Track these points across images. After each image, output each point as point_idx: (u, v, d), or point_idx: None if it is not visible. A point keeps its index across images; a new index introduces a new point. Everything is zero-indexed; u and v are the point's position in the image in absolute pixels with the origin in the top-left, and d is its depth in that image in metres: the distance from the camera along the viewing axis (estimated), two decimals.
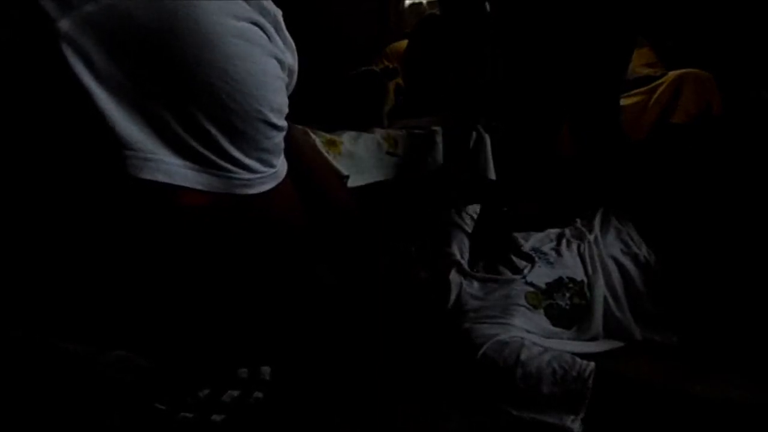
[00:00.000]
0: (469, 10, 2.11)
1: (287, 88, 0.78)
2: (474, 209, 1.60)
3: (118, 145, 0.67)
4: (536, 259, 1.42)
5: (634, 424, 1.07)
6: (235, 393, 1.01)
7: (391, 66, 2.19)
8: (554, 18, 1.48)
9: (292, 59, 0.79)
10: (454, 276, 1.39)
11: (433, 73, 2.19)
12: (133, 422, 0.95)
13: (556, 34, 1.50)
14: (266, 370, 1.01)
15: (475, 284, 1.38)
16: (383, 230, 1.47)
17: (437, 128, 1.90)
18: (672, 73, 2.05)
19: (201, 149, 0.69)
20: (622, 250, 1.44)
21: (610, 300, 1.38)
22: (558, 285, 1.37)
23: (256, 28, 0.70)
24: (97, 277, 0.87)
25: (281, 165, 0.79)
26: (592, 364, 1.14)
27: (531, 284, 1.36)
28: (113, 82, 0.65)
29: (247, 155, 0.72)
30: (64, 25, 0.63)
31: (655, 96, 2.02)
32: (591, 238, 1.47)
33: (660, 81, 2.04)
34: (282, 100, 0.75)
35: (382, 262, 1.34)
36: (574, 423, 1.08)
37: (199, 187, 0.70)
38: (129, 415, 0.93)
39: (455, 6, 2.14)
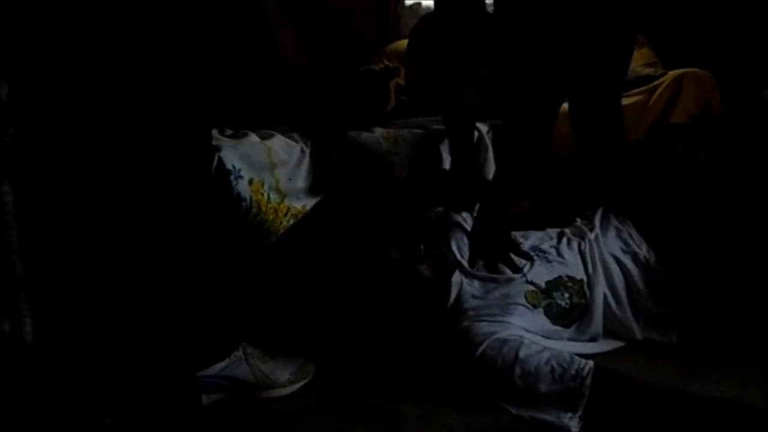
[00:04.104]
0: (467, 9, 2.12)
1: None
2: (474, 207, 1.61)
3: None
4: (535, 257, 1.42)
5: (633, 423, 1.07)
6: None
7: (391, 66, 2.19)
8: (556, 14, 1.49)
9: None
10: (455, 276, 1.39)
11: (433, 72, 2.19)
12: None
13: (556, 31, 1.50)
14: None
15: (476, 283, 1.38)
16: (393, 225, 1.48)
17: (439, 127, 1.91)
18: (672, 73, 2.04)
19: None
20: (621, 249, 1.44)
21: (611, 299, 1.38)
22: (557, 284, 1.37)
23: None
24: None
25: None
26: (591, 362, 1.14)
27: (531, 283, 1.36)
28: None
29: None
30: None
31: (655, 96, 2.01)
32: (592, 236, 1.46)
33: (660, 81, 2.04)
34: None
35: (393, 256, 1.34)
36: (572, 421, 1.09)
37: None
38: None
39: (452, 5, 2.15)
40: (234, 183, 1.44)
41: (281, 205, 1.55)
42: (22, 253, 0.83)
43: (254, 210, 1.47)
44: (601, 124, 1.66)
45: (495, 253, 1.44)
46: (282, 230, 1.53)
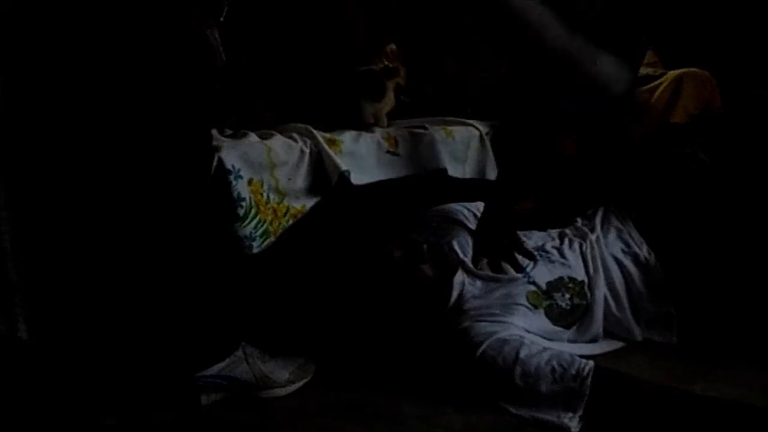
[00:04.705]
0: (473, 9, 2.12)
1: None
2: (477, 207, 1.60)
3: None
4: (538, 257, 1.42)
5: (633, 423, 1.07)
6: None
7: (391, 66, 2.19)
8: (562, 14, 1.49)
9: None
10: (457, 275, 1.39)
11: (435, 71, 2.19)
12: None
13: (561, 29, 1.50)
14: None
15: (478, 283, 1.38)
16: (396, 225, 1.48)
17: (437, 127, 1.91)
18: (672, 73, 2.04)
19: None
20: (622, 250, 1.44)
21: (611, 300, 1.38)
22: (558, 284, 1.37)
23: None
24: None
25: None
26: (591, 362, 1.14)
27: (533, 283, 1.36)
28: None
29: None
30: None
31: (655, 95, 2.02)
32: (593, 237, 1.47)
33: (660, 81, 2.04)
34: None
35: (395, 255, 1.34)
36: (573, 421, 1.09)
37: None
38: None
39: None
40: (233, 183, 1.44)
41: (280, 205, 1.54)
42: (16, 256, 0.83)
43: (253, 210, 1.47)
44: (607, 123, 1.66)
45: (499, 252, 1.44)
46: (280, 230, 1.53)
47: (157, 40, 0.90)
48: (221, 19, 1.44)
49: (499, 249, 1.44)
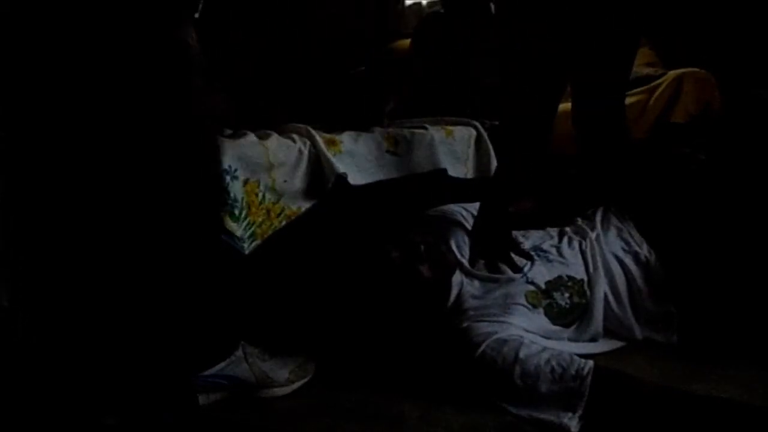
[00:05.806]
0: (474, 9, 2.12)
1: None
2: (475, 207, 1.60)
3: None
4: (535, 257, 1.42)
5: (633, 423, 1.07)
6: None
7: (391, 66, 2.19)
8: (559, 13, 1.48)
9: None
10: (455, 275, 1.39)
11: (435, 71, 2.20)
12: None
13: (560, 29, 1.49)
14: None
15: (476, 283, 1.38)
16: (393, 225, 1.48)
17: (437, 127, 1.91)
18: (672, 73, 2.05)
19: None
20: (622, 248, 1.44)
21: (611, 298, 1.38)
22: (557, 283, 1.37)
23: None
24: None
25: None
26: (591, 362, 1.14)
27: (532, 283, 1.36)
28: None
29: None
30: None
31: (655, 95, 2.02)
32: (593, 235, 1.46)
33: (660, 81, 2.04)
34: None
35: (393, 256, 1.35)
36: (572, 421, 1.09)
37: None
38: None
39: (460, 5, 2.15)
40: (229, 183, 1.45)
41: (276, 206, 1.55)
42: (13, 258, 0.83)
43: (244, 212, 1.47)
44: (605, 121, 1.66)
45: (495, 253, 1.44)
46: (270, 232, 1.53)
47: (133, 47, 0.90)
48: (196, 15, 1.43)
49: (494, 250, 1.44)
